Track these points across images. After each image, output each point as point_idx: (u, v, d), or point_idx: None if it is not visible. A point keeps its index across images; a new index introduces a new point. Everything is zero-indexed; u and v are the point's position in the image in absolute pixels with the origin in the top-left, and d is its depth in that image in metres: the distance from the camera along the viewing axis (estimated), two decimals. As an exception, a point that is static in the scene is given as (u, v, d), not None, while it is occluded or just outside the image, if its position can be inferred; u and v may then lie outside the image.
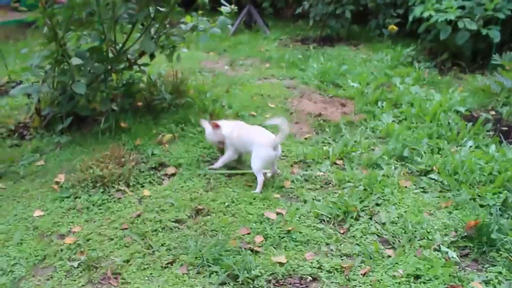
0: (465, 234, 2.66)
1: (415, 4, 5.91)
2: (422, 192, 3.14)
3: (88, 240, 2.71)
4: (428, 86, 5.07)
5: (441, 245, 2.59)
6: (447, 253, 2.53)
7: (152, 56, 4.35)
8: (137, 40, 4.15)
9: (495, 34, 5.36)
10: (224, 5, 4.31)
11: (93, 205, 3.03)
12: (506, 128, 4.01)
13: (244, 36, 7.70)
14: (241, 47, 7.01)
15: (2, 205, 3.12)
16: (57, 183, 3.30)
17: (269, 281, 2.34)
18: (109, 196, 3.11)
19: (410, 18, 6.10)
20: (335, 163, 3.49)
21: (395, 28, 6.87)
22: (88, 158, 3.42)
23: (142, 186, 3.22)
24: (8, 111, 4.49)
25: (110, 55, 3.98)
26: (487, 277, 2.36)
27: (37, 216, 2.97)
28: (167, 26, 4.28)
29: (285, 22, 8.77)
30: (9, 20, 7.81)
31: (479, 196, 3.01)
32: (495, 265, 2.44)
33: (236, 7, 4.40)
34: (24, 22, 6.76)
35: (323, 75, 5.37)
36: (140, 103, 4.40)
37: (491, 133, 3.91)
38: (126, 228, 2.79)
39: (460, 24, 5.42)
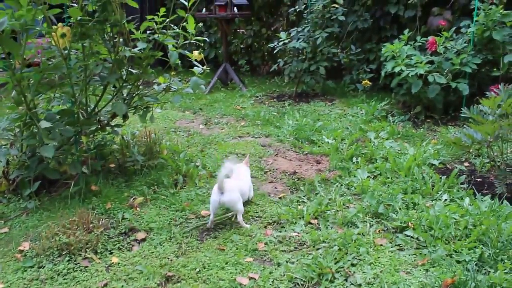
0: (443, 293, 2.59)
1: (386, 60, 6.07)
2: (398, 250, 3.08)
3: (50, 313, 2.57)
4: (402, 140, 5.12)
5: (418, 307, 2.51)
6: (424, 314, 2.45)
7: (125, 117, 4.33)
8: (109, 102, 4.14)
9: (463, 87, 5.52)
10: (197, 66, 4.36)
11: (58, 274, 2.88)
12: (479, 180, 4.03)
13: (220, 93, 7.77)
14: (217, 105, 7.06)
15: (-41, 279, 2.96)
16: (21, 251, 3.15)
17: None
18: (76, 264, 2.98)
19: (383, 73, 6.25)
20: (310, 223, 3.43)
21: (369, 82, 7.04)
22: (55, 225, 3.30)
23: (111, 253, 3.10)
24: (-26, 175, 4.37)
25: (81, 117, 3.95)
26: None
27: (-3, 289, 2.82)
28: (140, 87, 4.31)
29: (261, 79, 8.93)
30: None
31: (455, 251, 2.96)
32: (474, 326, 2.37)
33: (208, 68, 4.45)
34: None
35: (298, 132, 5.40)
36: (112, 165, 4.34)
37: (465, 185, 3.91)
38: (91, 299, 2.66)
39: (430, 78, 5.57)
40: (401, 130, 5.39)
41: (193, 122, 6.27)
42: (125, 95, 4.25)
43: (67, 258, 3.02)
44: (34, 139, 3.77)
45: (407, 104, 6.22)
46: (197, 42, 4.27)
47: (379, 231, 3.30)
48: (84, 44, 3.83)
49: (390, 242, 3.15)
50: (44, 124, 3.61)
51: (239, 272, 2.83)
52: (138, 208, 3.65)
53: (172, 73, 4.33)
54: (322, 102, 7.05)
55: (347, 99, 7.12)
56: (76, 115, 3.93)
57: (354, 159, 4.53)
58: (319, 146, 4.98)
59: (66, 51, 3.68)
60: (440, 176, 4.00)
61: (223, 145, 5.11)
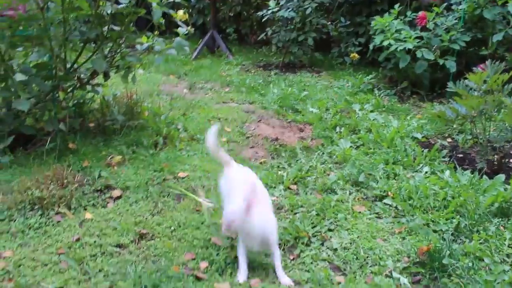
0: (418, 260, 2.59)
1: (375, 34, 5.99)
2: (376, 217, 3.07)
3: (19, 266, 2.50)
4: (387, 113, 5.08)
5: (392, 271, 2.50)
6: (398, 279, 2.44)
7: (106, 76, 4.22)
8: (89, 59, 4.01)
9: (451, 65, 5.47)
10: (181, 26, 4.24)
11: (29, 228, 2.82)
12: (461, 155, 4.02)
13: (206, 60, 7.64)
14: (202, 71, 6.94)
15: None
16: (-8, 205, 3.08)
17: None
18: (48, 219, 2.92)
19: (371, 47, 6.18)
20: (289, 188, 3.40)
21: (357, 56, 6.97)
22: (28, 179, 3.21)
23: (85, 209, 3.04)
24: None
25: (59, 73, 3.83)
26: (438, 304, 2.28)
27: (-34, 241, 2.74)
28: (122, 46, 4.18)
29: (249, 48, 8.80)
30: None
31: (432, 221, 2.96)
32: (447, 292, 2.37)
33: (193, 29, 4.33)
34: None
35: (283, 100, 5.33)
36: (91, 124, 4.24)
37: (446, 159, 3.90)
38: (62, 253, 2.60)
39: (418, 54, 5.51)
40: (387, 104, 5.35)
41: (177, 86, 6.15)
42: (106, 53, 4.12)
43: (39, 213, 2.96)
44: (9, 92, 3.66)
45: (394, 79, 6.17)
46: (182, 2, 4.14)
47: (358, 198, 3.28)
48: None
49: (369, 210, 3.14)
50: (19, 77, 3.50)
51: (215, 232, 2.79)
52: (115, 167, 3.58)
53: (156, 32, 4.20)
54: (309, 73, 6.97)
55: (334, 71, 7.05)
56: (54, 70, 3.81)
57: (338, 129, 4.49)
58: (303, 115, 4.93)
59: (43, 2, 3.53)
60: (422, 149, 3.99)
61: (206, 110, 5.03)
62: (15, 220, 2.89)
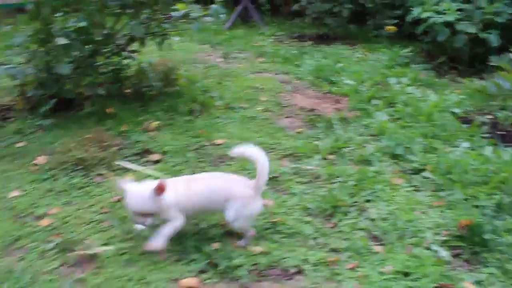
0: (457, 234, 2.56)
1: (413, 6, 5.82)
2: (414, 190, 3.03)
3: (65, 222, 2.60)
4: (424, 87, 4.97)
5: (432, 244, 2.48)
6: (438, 252, 2.43)
7: (142, 43, 4.23)
8: (127, 25, 4.03)
9: (493, 39, 5.28)
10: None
11: (73, 188, 2.92)
12: (503, 133, 3.91)
13: (239, 31, 7.59)
14: (235, 41, 6.91)
15: (-22, 185, 2.99)
16: (37, 165, 3.18)
17: (251, 272, 2.23)
18: (90, 179, 3.00)
19: (409, 19, 6.02)
20: (326, 158, 3.39)
21: (393, 29, 6.80)
22: (70, 141, 3.29)
23: (125, 171, 3.10)
24: (-9, 92, 4.37)
25: (98, 38, 3.86)
26: (478, 277, 2.26)
27: (14, 197, 2.85)
28: (158, 13, 4.18)
29: (282, 19, 8.67)
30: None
31: (472, 196, 2.90)
32: (487, 266, 2.33)
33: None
34: (14, 6, 6.65)
35: (318, 71, 5.27)
36: (128, 90, 4.29)
37: (487, 135, 3.81)
38: (105, 212, 2.68)
39: (459, 27, 5.34)
40: (424, 78, 5.23)
41: (211, 55, 6.15)
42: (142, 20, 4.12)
43: (81, 173, 3.04)
44: (50, 57, 3.71)
45: (431, 53, 6.01)
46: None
47: (396, 171, 3.24)
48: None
49: (407, 183, 3.10)
50: (61, 40, 3.54)
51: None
52: (153, 132, 3.62)
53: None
54: (343, 45, 6.84)
55: (369, 44, 6.90)
56: (93, 35, 3.84)
57: (374, 102, 4.42)
58: (338, 87, 4.87)
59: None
60: (461, 124, 3.90)
61: (241, 79, 5.02)
62: (58, 180, 2.98)
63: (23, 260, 2.32)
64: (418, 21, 5.85)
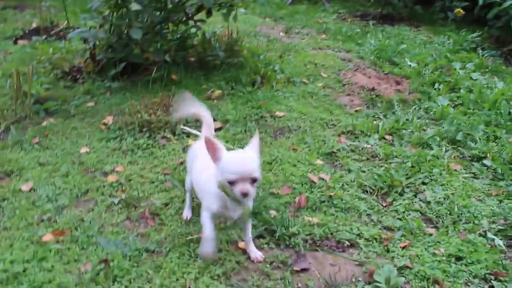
0: (515, 223, 2.53)
1: (487, -12, 5.59)
2: (472, 177, 3.00)
3: (129, 180, 2.76)
4: (490, 74, 4.81)
5: (487, 231, 2.46)
6: (493, 240, 2.41)
7: (209, 12, 4.31)
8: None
9: None
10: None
11: (138, 148, 3.07)
12: None
13: (302, 6, 7.55)
14: (298, 16, 6.88)
15: (52, 139, 3.21)
16: (105, 124, 3.36)
17: (306, 241, 2.31)
18: (154, 141, 3.15)
19: (480, 2, 5.78)
20: (384, 138, 3.39)
21: (462, 12, 6.56)
22: (137, 103, 3.45)
23: (188, 136, 3.23)
24: (64, 54, 4.60)
25: (169, 5, 3.97)
26: (534, 269, 2.24)
27: (84, 153, 3.04)
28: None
29: (346, -4, 8.53)
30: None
31: (534, 188, 2.85)
32: (545, 259, 2.32)
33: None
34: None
35: (379, 51, 5.20)
36: (192, 58, 4.40)
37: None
38: (167, 174, 2.82)
39: (535, 13, 5.11)
40: (491, 65, 5.05)
41: (274, 29, 6.17)
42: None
43: (147, 135, 3.19)
44: (123, 21, 3.85)
45: (501, 39, 5.78)
46: None
47: (454, 156, 3.21)
48: None
49: (465, 169, 3.07)
50: (135, 6, 3.65)
51: (310, 171, 2.88)
52: (215, 101, 3.73)
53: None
54: (408, 26, 6.67)
55: (435, 27, 6.70)
56: (164, 2, 3.95)
57: (436, 86, 4.34)
58: (400, 68, 4.79)
59: None
60: (529, 115, 3.78)
61: (302, 54, 5.03)
62: (125, 139, 3.14)
63: (92, 211, 2.50)
64: (490, 4, 5.63)
